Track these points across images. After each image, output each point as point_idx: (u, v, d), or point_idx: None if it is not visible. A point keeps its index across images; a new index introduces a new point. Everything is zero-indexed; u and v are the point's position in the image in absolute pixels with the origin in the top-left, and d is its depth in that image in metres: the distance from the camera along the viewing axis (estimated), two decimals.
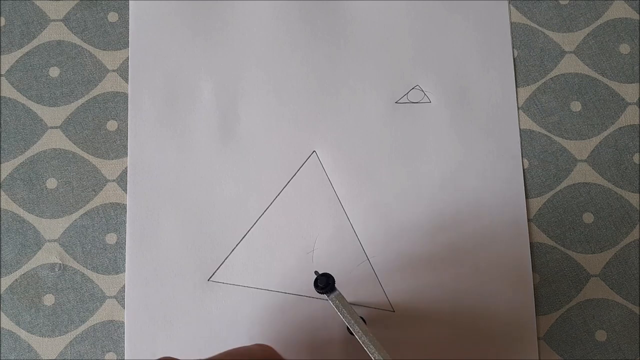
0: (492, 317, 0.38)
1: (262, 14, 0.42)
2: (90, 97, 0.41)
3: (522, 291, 0.39)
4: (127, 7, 0.43)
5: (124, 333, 0.38)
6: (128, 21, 0.42)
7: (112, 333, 0.39)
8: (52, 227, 0.40)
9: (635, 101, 0.42)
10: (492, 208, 0.40)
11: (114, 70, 0.42)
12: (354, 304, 0.39)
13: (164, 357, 0.36)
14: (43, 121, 0.41)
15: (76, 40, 0.42)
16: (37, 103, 0.41)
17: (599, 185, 0.41)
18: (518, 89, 0.42)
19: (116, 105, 0.41)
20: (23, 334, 0.39)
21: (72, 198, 0.40)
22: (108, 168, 0.41)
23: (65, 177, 0.40)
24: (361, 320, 0.33)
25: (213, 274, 0.39)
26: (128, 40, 0.42)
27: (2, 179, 0.40)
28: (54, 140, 0.41)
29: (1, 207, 0.40)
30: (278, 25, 0.42)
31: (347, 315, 0.32)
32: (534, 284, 0.39)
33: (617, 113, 0.42)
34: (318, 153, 0.41)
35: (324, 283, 0.33)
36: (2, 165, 0.41)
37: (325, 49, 0.42)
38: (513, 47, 0.42)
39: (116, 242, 0.40)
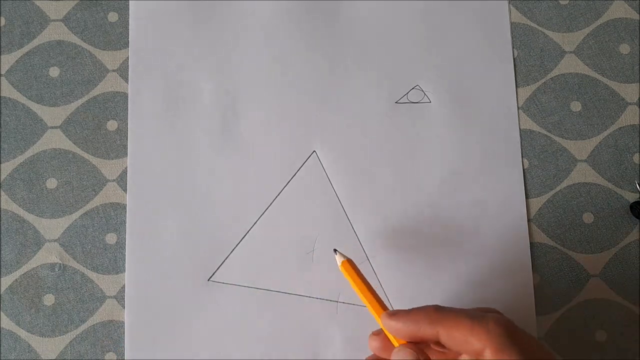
0: None
1: (262, 14, 0.42)
2: (90, 97, 0.41)
3: (522, 291, 0.39)
4: (127, 7, 0.42)
5: (124, 333, 0.38)
6: (128, 21, 0.42)
7: (112, 333, 0.39)
8: (52, 227, 0.40)
9: (635, 101, 0.42)
10: (492, 208, 0.40)
11: (114, 70, 0.42)
12: (354, 304, 0.39)
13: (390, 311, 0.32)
14: (43, 121, 0.41)
15: (76, 40, 0.42)
16: (37, 103, 0.41)
17: (599, 185, 0.41)
18: (518, 89, 0.42)
19: (116, 105, 0.41)
20: (23, 334, 0.39)
21: (72, 198, 0.40)
22: (108, 168, 0.41)
23: (65, 177, 0.40)
24: None
25: (213, 274, 0.39)
26: (128, 40, 0.42)
27: (2, 179, 0.40)
28: (54, 140, 0.41)
29: (1, 207, 0.40)
30: (278, 25, 0.42)
31: None
32: (534, 284, 0.39)
33: (617, 113, 0.42)
34: (318, 153, 0.41)
35: None
36: (2, 165, 0.41)
37: (326, 49, 0.42)
38: (513, 47, 0.42)
39: (116, 242, 0.40)
